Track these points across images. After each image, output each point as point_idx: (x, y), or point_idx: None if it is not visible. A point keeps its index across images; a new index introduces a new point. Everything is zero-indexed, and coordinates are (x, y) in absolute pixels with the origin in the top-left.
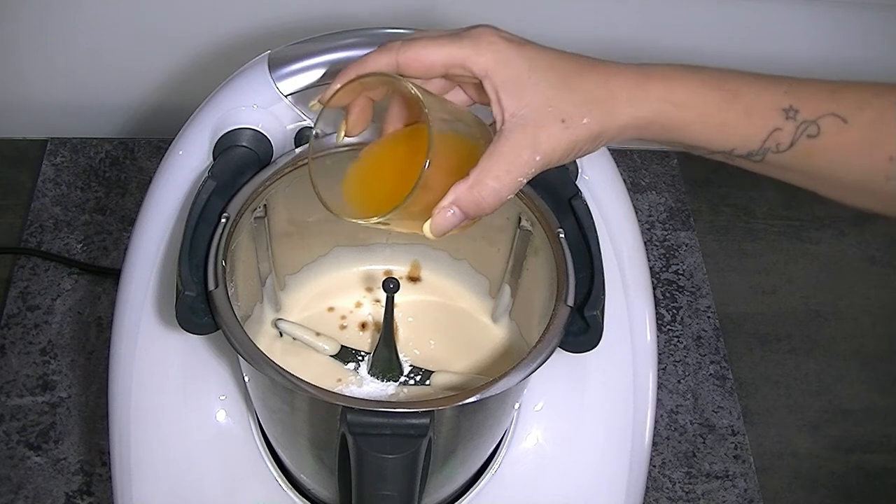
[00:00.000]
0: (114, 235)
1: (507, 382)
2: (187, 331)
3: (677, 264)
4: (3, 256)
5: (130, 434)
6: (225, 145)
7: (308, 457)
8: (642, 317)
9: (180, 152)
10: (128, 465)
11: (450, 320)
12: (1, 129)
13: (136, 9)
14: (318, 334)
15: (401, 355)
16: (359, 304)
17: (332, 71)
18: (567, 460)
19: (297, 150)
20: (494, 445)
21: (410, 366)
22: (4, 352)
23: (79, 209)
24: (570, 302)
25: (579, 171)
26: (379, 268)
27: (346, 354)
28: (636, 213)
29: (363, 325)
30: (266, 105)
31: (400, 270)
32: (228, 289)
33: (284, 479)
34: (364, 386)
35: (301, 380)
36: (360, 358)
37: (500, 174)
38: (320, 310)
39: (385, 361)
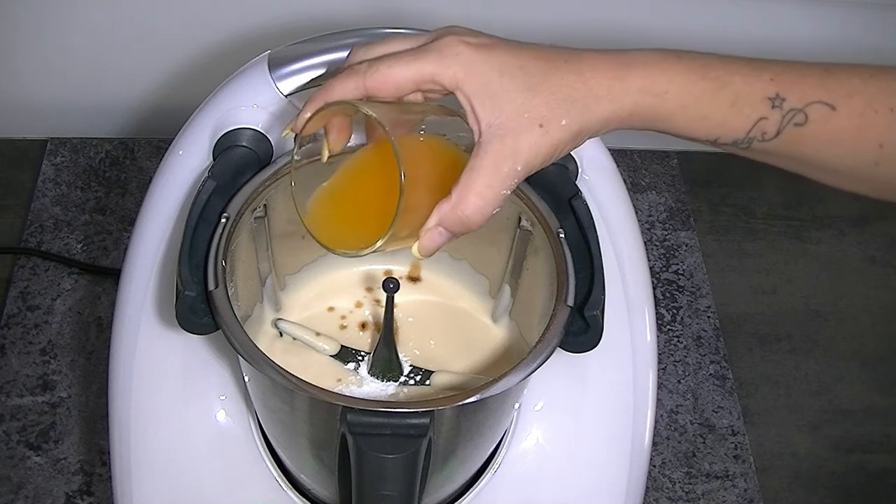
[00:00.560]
0: (114, 235)
1: (507, 382)
2: (187, 331)
3: (677, 264)
4: (3, 256)
5: (130, 434)
6: (225, 145)
7: (308, 457)
8: (642, 317)
9: (180, 152)
10: (128, 465)
11: (450, 320)
12: (1, 129)
13: (136, 9)
14: (318, 334)
15: (401, 355)
16: (359, 304)
17: (331, 72)
18: (567, 460)
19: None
20: (494, 445)
21: (410, 366)
22: (4, 352)
23: (79, 209)
24: (570, 302)
25: (579, 171)
26: (379, 267)
27: (346, 354)
28: (636, 213)
29: (363, 325)
30: (266, 105)
31: (400, 270)
32: (228, 289)
33: (284, 479)
34: (364, 386)
35: (301, 380)
36: (360, 358)
37: (482, 190)
38: (320, 310)
39: (385, 361)
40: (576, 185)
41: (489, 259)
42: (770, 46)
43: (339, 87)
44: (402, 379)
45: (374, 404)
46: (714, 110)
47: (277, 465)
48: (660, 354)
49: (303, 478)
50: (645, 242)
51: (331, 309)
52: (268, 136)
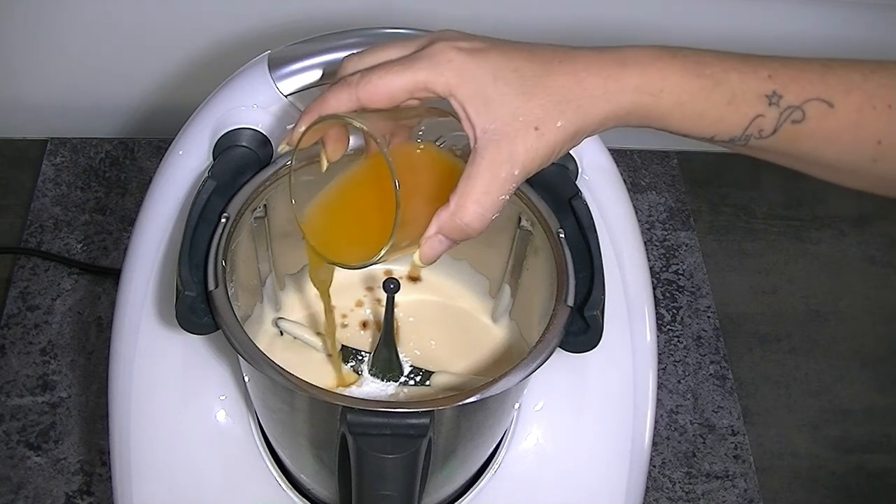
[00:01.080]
0: (114, 235)
1: (507, 382)
2: (187, 331)
3: (677, 264)
4: (3, 256)
5: (130, 434)
6: (225, 145)
7: (308, 457)
8: (642, 317)
9: (180, 152)
10: (128, 465)
11: (450, 320)
12: (1, 129)
13: (136, 9)
14: (318, 333)
15: (401, 355)
16: (359, 303)
17: (330, 72)
18: (567, 460)
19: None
20: (494, 445)
21: (410, 366)
22: (4, 352)
23: (79, 209)
24: (570, 302)
25: (579, 171)
26: (379, 267)
27: (346, 354)
28: (636, 213)
29: (364, 324)
30: (266, 105)
31: (400, 270)
32: (228, 289)
33: (284, 479)
34: (364, 386)
35: (301, 380)
36: (360, 357)
37: (480, 196)
38: (321, 308)
39: (385, 361)
40: (576, 185)
41: (489, 259)
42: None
43: (332, 99)
44: (402, 379)
45: (374, 404)
46: (710, 108)
47: (277, 465)
48: (660, 354)
49: (303, 478)
50: (645, 242)
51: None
52: (268, 136)
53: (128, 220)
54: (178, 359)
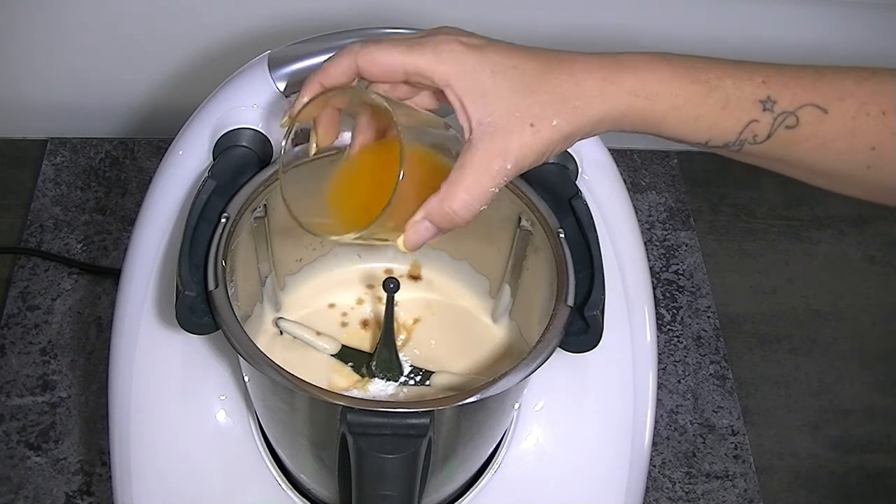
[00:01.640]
0: (114, 235)
1: (507, 382)
2: (187, 331)
3: (677, 264)
4: (3, 256)
5: (130, 434)
6: (225, 145)
7: (308, 457)
8: (642, 317)
9: (180, 152)
10: (128, 465)
11: (450, 320)
12: (1, 129)
13: (136, 9)
14: (318, 333)
15: (401, 355)
16: (360, 301)
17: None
18: (567, 460)
19: (296, 150)
20: (494, 445)
21: (410, 366)
22: (4, 352)
23: (79, 209)
24: (570, 302)
25: (579, 171)
26: (379, 266)
27: (346, 354)
28: (636, 213)
29: (364, 323)
30: (266, 105)
31: (400, 269)
32: (228, 289)
33: (284, 479)
34: (364, 385)
35: (301, 380)
36: (360, 357)
37: (471, 185)
38: (321, 307)
39: (385, 361)
40: (576, 185)
41: (489, 259)
42: (767, 47)
43: (332, 67)
44: (402, 379)
45: (374, 404)
46: (705, 112)
47: (277, 465)
48: (660, 354)
49: (303, 478)
50: (645, 242)
51: (331, 306)
52: (268, 136)
53: (128, 220)
54: (178, 359)
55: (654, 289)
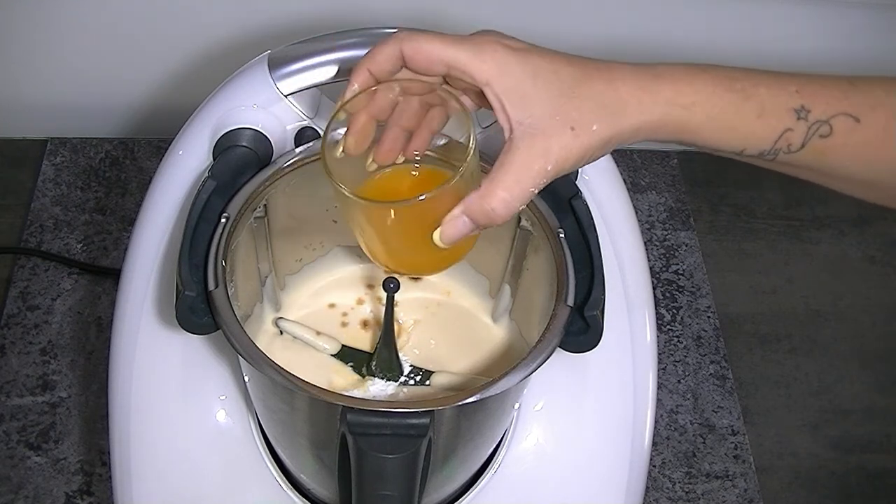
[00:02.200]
0: (114, 235)
1: (507, 382)
2: (187, 331)
3: (677, 264)
4: (3, 256)
5: (130, 434)
6: (225, 145)
7: (308, 457)
8: (642, 317)
9: (180, 152)
10: (128, 465)
11: (450, 320)
12: (1, 129)
13: (136, 9)
14: (318, 333)
15: (401, 355)
16: (360, 301)
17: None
18: (567, 460)
19: (298, 150)
20: (494, 445)
21: (410, 366)
22: (4, 352)
23: (79, 209)
24: (570, 302)
25: (579, 171)
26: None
27: (346, 354)
28: (636, 213)
29: (365, 323)
30: (266, 105)
31: None
32: (228, 289)
33: (284, 479)
34: (364, 386)
35: (301, 380)
36: (361, 357)
37: (511, 185)
38: (321, 307)
39: (385, 361)
40: (576, 185)
41: (489, 259)
42: (768, 46)
43: (378, 52)
44: (402, 379)
45: (374, 404)
46: (740, 121)
47: (277, 465)
48: (660, 354)
49: (303, 478)
50: (645, 242)
51: (332, 306)
52: (268, 136)
53: (128, 220)
54: (178, 359)
55: (654, 289)
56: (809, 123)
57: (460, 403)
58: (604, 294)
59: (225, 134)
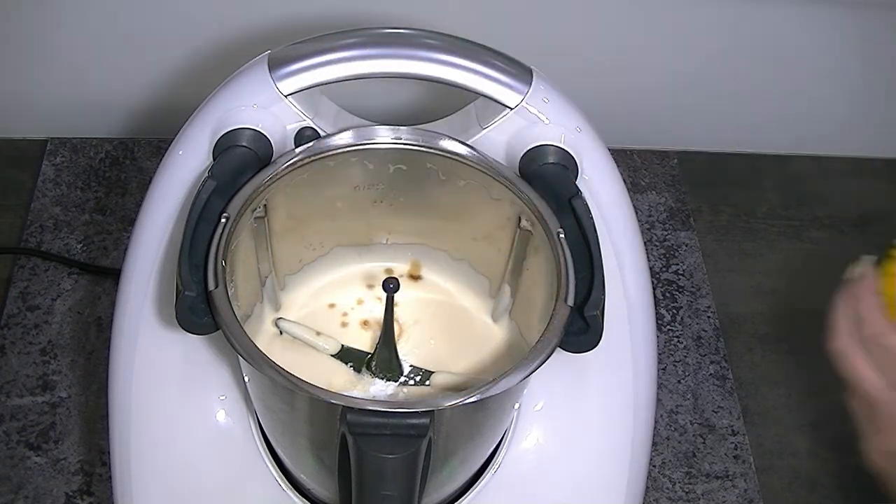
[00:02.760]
0: (114, 235)
1: (507, 382)
2: (187, 331)
3: (677, 264)
4: (3, 256)
5: (130, 434)
6: (225, 145)
7: (308, 457)
8: (642, 317)
9: (180, 152)
10: (128, 465)
11: (450, 320)
12: (1, 129)
13: (136, 8)
14: (318, 333)
15: (401, 355)
16: (360, 301)
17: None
18: (567, 460)
19: (298, 150)
20: (494, 445)
21: (410, 366)
22: (4, 352)
23: (79, 209)
24: (570, 302)
25: (579, 171)
26: (379, 266)
27: (346, 354)
28: (636, 213)
29: (365, 323)
30: (266, 105)
31: (400, 268)
32: (228, 289)
33: (284, 479)
34: (364, 386)
35: (301, 380)
36: (361, 358)
37: None
38: (321, 307)
39: (385, 361)
40: (576, 185)
41: (489, 259)
42: (768, 47)
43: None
44: (402, 379)
45: (374, 404)
46: None
47: (277, 465)
48: (660, 354)
49: (303, 478)
50: (645, 242)
51: (332, 306)
52: (268, 136)
53: (128, 220)
54: (178, 359)
55: (654, 289)
56: None
57: (460, 403)
58: (604, 294)
59: (225, 134)
